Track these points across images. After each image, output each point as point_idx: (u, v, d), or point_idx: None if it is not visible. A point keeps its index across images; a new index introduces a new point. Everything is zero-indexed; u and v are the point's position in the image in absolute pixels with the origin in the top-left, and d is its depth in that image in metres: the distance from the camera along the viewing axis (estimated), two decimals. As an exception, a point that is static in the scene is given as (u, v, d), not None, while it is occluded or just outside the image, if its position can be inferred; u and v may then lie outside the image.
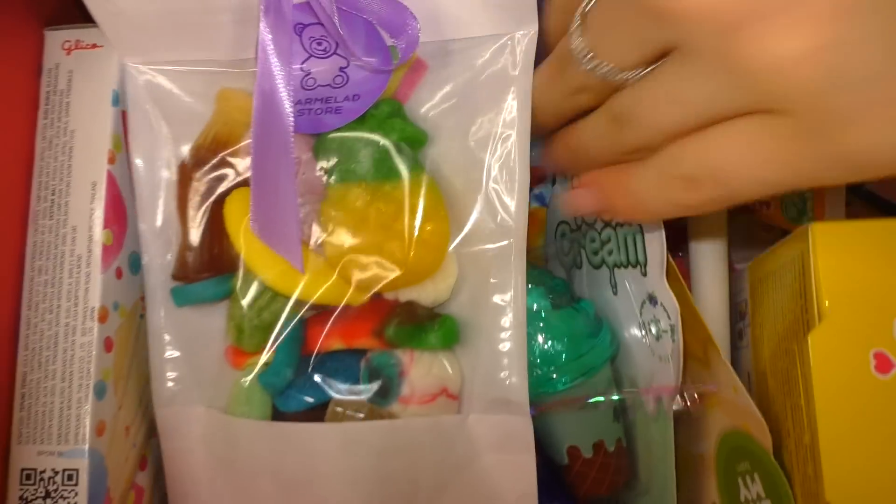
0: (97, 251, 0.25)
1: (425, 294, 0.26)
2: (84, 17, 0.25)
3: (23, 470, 0.24)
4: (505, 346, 0.25)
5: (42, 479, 0.24)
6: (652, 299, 0.25)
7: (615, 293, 0.27)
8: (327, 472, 0.24)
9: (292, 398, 0.25)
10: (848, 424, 0.19)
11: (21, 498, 0.24)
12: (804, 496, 0.20)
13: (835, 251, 0.20)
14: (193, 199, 0.26)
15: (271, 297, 0.25)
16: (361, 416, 0.25)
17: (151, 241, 0.26)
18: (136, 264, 0.27)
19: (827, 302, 0.19)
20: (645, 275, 0.25)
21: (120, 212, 0.26)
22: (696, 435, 0.26)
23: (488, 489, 0.25)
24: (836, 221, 0.25)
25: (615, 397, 0.26)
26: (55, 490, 0.24)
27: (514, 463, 0.25)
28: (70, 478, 0.24)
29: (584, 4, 0.21)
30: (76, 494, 0.24)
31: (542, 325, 0.26)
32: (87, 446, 0.24)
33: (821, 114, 0.17)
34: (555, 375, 0.26)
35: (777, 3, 0.17)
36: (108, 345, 0.25)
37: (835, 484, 0.19)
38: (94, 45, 0.26)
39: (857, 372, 0.19)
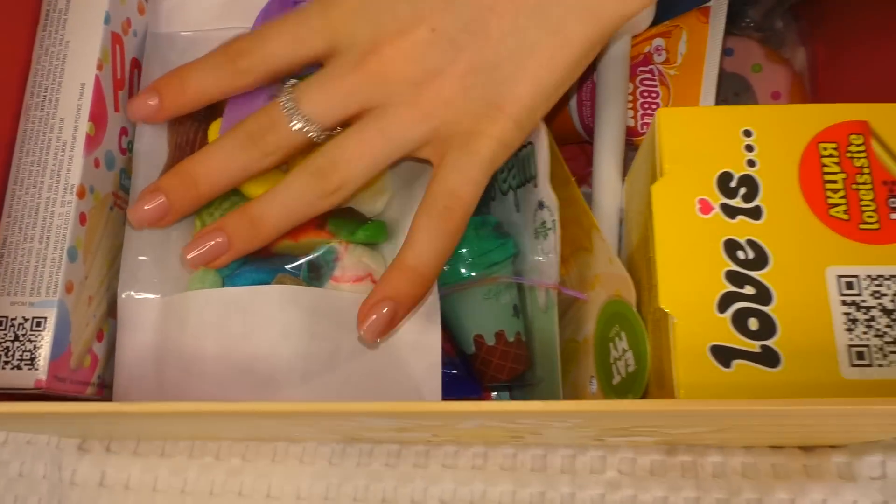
0: (81, 139, 0.29)
1: (363, 203, 0.31)
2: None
3: None
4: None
5: (12, 325, 0.28)
6: (541, 204, 0.30)
7: (518, 210, 0.32)
8: (264, 327, 0.28)
9: (241, 277, 0.29)
10: (678, 251, 0.24)
11: None
12: (652, 332, 0.25)
13: (674, 128, 0.25)
14: (182, 128, 0.31)
15: (234, 201, 0.30)
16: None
17: (143, 159, 0.31)
18: (110, 161, 0.31)
19: (666, 165, 0.25)
20: (536, 185, 0.30)
21: (102, 111, 0.31)
22: (582, 320, 0.31)
23: (400, 358, 0.29)
24: (676, 107, 0.31)
25: (508, 285, 0.31)
26: (23, 335, 0.28)
27: (423, 337, 0.29)
28: (38, 324, 0.28)
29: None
30: (42, 339, 0.27)
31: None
32: (56, 298, 0.28)
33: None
34: (463, 270, 0.31)
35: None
36: (82, 218, 0.29)
37: (666, 294, 0.24)
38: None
39: (686, 213, 0.24)
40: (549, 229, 0.29)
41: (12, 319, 0.28)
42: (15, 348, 0.27)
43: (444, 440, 0.33)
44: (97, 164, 0.30)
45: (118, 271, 0.31)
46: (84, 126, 0.30)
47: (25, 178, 0.29)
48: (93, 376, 0.30)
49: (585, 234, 0.30)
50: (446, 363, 0.32)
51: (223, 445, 0.36)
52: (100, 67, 0.30)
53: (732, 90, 0.35)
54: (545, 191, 0.29)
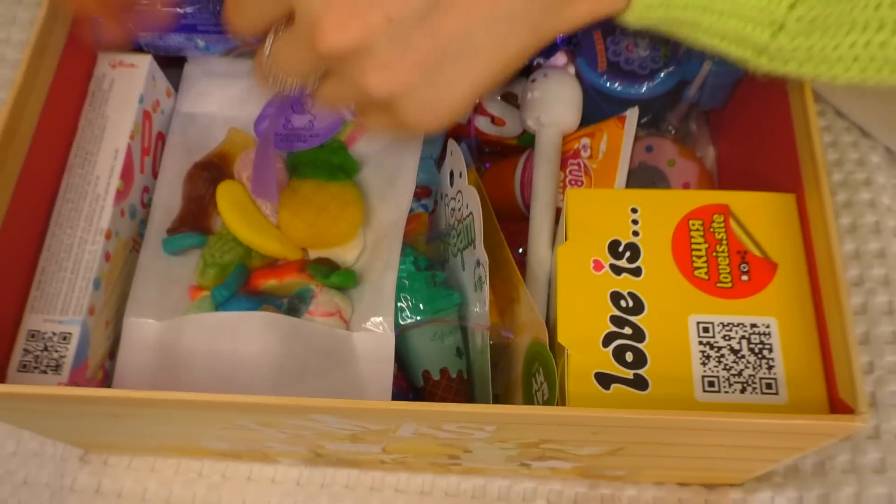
0: (112, 193, 0.37)
1: (338, 255, 0.38)
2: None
3: (29, 331, 0.34)
4: (382, 291, 0.36)
5: (43, 338, 0.34)
6: (478, 263, 0.37)
7: (463, 269, 0.39)
8: (247, 345, 0.34)
9: (231, 305, 0.36)
10: (574, 299, 0.31)
11: (25, 349, 0.34)
12: (559, 364, 0.32)
13: (578, 205, 0.33)
14: (195, 185, 0.39)
15: (233, 245, 0.37)
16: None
17: (160, 210, 0.39)
18: (133, 212, 0.38)
19: (570, 232, 0.32)
20: (475, 248, 0.37)
21: (130, 172, 0.38)
22: (513, 363, 0.37)
23: (358, 382, 0.35)
24: (581, 189, 0.38)
25: (454, 326, 0.37)
26: (51, 346, 0.34)
27: (378, 368, 0.36)
28: (64, 338, 0.34)
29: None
30: (66, 350, 0.34)
31: (406, 280, 0.38)
32: (81, 318, 0.34)
33: None
34: (415, 315, 0.37)
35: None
36: (107, 256, 0.36)
37: (563, 332, 0.30)
38: (132, 65, 0.39)
39: (583, 270, 0.31)
40: (484, 282, 0.36)
41: (43, 333, 0.34)
42: (43, 356, 0.34)
43: (396, 462, 0.39)
44: (122, 214, 0.37)
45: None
46: (115, 183, 0.37)
47: (64, 221, 0.36)
48: (103, 387, 0.36)
49: (514, 289, 0.36)
50: (398, 393, 0.38)
51: (206, 464, 0.42)
52: (132, 137, 0.38)
53: (650, 180, 0.43)
54: (480, 251, 0.36)
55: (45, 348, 0.34)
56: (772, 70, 0.29)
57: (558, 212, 0.40)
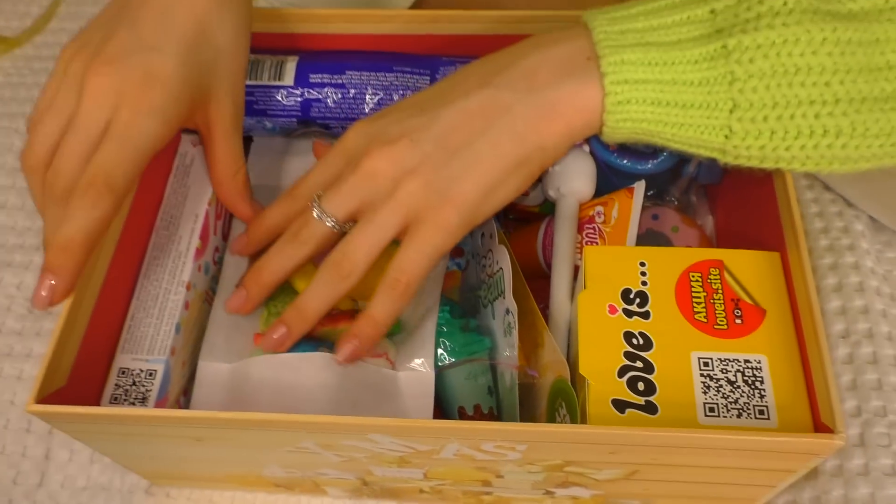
0: (192, 251, 0.43)
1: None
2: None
3: (120, 368, 0.40)
4: (423, 336, 0.42)
5: (132, 374, 0.40)
6: (507, 311, 0.42)
7: (493, 318, 0.44)
8: (307, 382, 0.39)
9: (292, 348, 0.41)
10: (593, 338, 0.36)
11: (116, 384, 0.39)
12: (579, 395, 0.37)
13: (595, 259, 0.38)
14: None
15: (294, 297, 0.43)
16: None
17: (230, 264, 0.45)
18: (207, 268, 0.45)
19: (588, 282, 0.38)
20: (504, 298, 0.43)
21: (207, 234, 0.44)
22: (538, 401, 0.42)
23: (403, 414, 0.40)
24: (598, 246, 0.44)
25: (486, 367, 0.42)
26: (139, 381, 0.39)
27: (420, 403, 0.41)
28: (150, 375, 0.39)
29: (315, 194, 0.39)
30: (152, 385, 0.39)
31: (444, 327, 0.43)
32: (165, 358, 0.40)
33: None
34: (451, 356, 0.43)
35: None
36: (186, 305, 0.42)
37: (584, 365, 0.36)
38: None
39: (600, 313, 0.37)
40: (513, 328, 0.41)
41: (132, 371, 0.40)
42: (132, 390, 0.39)
43: (433, 490, 0.43)
44: (199, 269, 0.43)
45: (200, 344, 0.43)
46: (195, 242, 0.43)
47: (151, 273, 0.42)
48: None
49: (539, 335, 0.42)
50: (437, 427, 0.43)
51: (259, 496, 0.46)
52: (209, 204, 0.44)
53: (657, 244, 0.49)
54: (510, 301, 0.41)
55: (134, 383, 0.39)
56: (739, 165, 0.36)
57: (576, 269, 0.46)
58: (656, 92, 0.34)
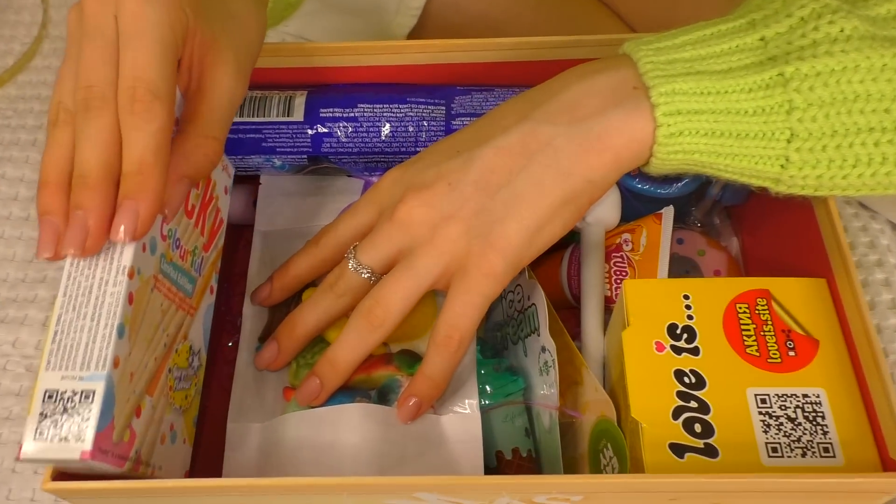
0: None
1: (417, 347, 0.42)
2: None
3: (46, 391, 0.30)
4: (462, 376, 0.40)
5: (62, 398, 0.29)
6: (543, 349, 0.40)
7: (525, 355, 0.43)
8: (348, 436, 0.37)
9: (328, 401, 0.39)
10: (643, 378, 0.34)
11: (41, 414, 0.29)
12: (630, 438, 0.35)
13: (636, 294, 0.37)
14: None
15: (322, 346, 0.41)
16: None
17: (249, 317, 0.43)
18: (153, 246, 0.34)
19: (631, 318, 0.36)
20: (539, 335, 0.41)
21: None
22: (578, 441, 0.40)
23: (451, 462, 0.38)
24: (637, 279, 0.42)
25: (522, 408, 0.40)
26: (72, 407, 0.29)
27: (468, 447, 0.38)
28: (87, 396, 0.29)
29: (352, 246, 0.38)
30: (90, 411, 0.29)
31: (480, 369, 0.41)
32: (105, 372, 0.29)
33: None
34: (486, 399, 0.41)
35: None
36: (130, 298, 0.31)
37: (636, 408, 0.34)
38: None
39: (647, 351, 0.35)
40: (550, 367, 0.39)
41: (62, 392, 0.29)
42: (63, 420, 0.29)
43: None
44: (143, 249, 0.33)
45: (155, 350, 0.34)
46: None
47: (80, 260, 0.31)
48: (131, 451, 0.32)
49: (577, 371, 0.40)
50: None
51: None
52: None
53: (684, 269, 0.47)
54: (546, 338, 0.39)
55: (65, 410, 0.30)
56: (793, 194, 0.34)
57: (606, 300, 0.44)
58: (710, 122, 0.33)
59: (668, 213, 0.44)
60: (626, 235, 0.45)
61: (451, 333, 0.36)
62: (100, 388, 0.29)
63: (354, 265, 0.38)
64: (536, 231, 0.35)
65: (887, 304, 0.47)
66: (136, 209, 0.30)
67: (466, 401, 0.39)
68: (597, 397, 0.38)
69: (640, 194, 0.47)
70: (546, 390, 0.40)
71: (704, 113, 0.33)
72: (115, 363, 0.30)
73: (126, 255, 0.31)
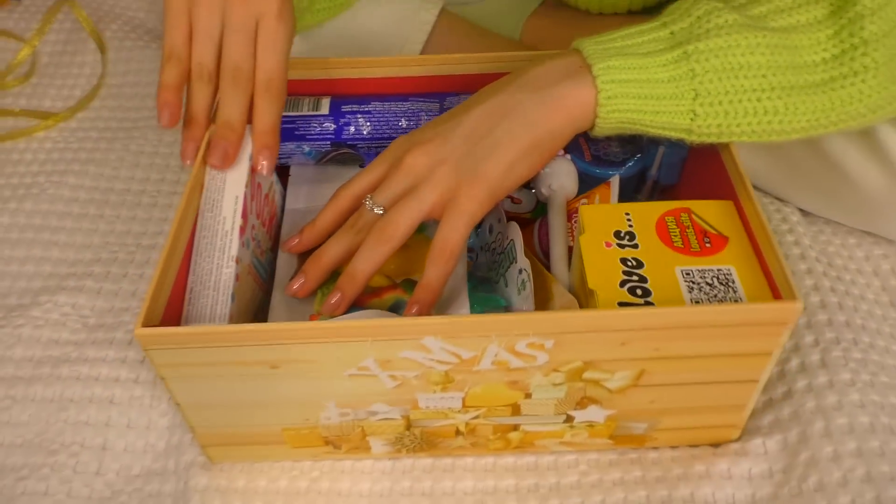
0: (237, 229, 0.48)
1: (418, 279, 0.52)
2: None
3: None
4: (458, 300, 0.50)
5: None
6: (520, 271, 0.51)
7: (507, 286, 0.53)
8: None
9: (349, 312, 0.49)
10: (597, 264, 0.45)
11: None
12: (588, 304, 0.45)
13: (589, 214, 0.48)
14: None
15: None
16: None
17: (282, 263, 0.53)
18: (248, 244, 0.49)
19: (586, 227, 0.47)
20: (516, 262, 0.51)
21: (246, 213, 0.50)
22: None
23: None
24: (591, 205, 0.53)
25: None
26: None
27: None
28: None
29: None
30: None
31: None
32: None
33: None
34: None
35: None
36: (237, 277, 0.48)
37: (592, 281, 0.44)
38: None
39: (599, 248, 0.46)
40: (526, 281, 0.49)
41: None
42: None
43: (469, 432, 0.49)
44: (243, 245, 0.49)
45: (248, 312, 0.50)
46: (238, 221, 0.49)
47: (203, 251, 0.48)
48: None
49: (548, 290, 0.50)
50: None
51: (305, 465, 0.51)
52: (246, 186, 0.52)
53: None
54: (522, 260, 0.50)
55: None
56: (703, 142, 0.47)
57: (569, 249, 0.55)
58: (636, 87, 0.46)
59: (615, 180, 0.56)
60: (584, 200, 0.57)
61: (444, 246, 0.46)
62: None
63: (371, 205, 0.49)
64: (509, 168, 0.47)
65: (797, 257, 0.59)
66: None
67: (460, 311, 0.49)
68: (566, 300, 0.48)
69: (593, 176, 0.59)
70: (526, 306, 0.50)
71: (631, 81, 0.46)
72: (230, 319, 0.47)
73: (234, 249, 0.48)
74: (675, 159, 0.59)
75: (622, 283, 0.44)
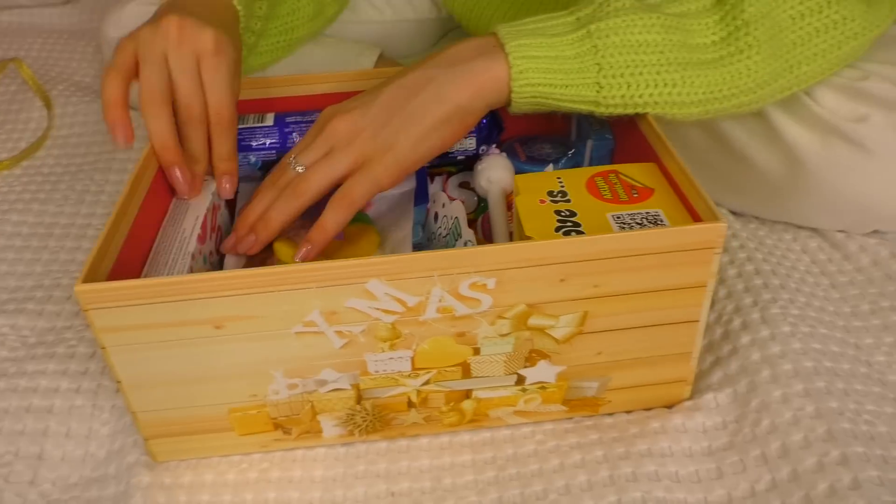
0: (196, 236, 0.51)
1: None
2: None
3: None
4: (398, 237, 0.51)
5: None
6: (466, 242, 0.52)
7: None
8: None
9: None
10: (532, 216, 0.47)
11: None
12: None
13: (523, 181, 0.50)
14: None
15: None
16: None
17: (233, 263, 0.54)
18: (205, 259, 0.53)
19: (520, 189, 0.49)
20: (461, 236, 0.53)
21: (205, 232, 0.53)
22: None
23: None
24: (525, 174, 0.54)
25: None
26: None
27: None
28: None
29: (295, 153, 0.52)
30: None
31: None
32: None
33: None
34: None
35: None
36: (190, 269, 0.50)
37: (530, 230, 0.46)
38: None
39: (533, 204, 0.48)
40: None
41: None
42: None
43: (422, 403, 0.48)
44: (200, 252, 0.52)
45: None
46: (198, 231, 0.52)
47: (162, 252, 0.50)
48: None
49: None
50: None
51: (255, 457, 0.49)
52: (208, 211, 0.54)
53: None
54: (466, 232, 0.52)
55: None
56: (612, 114, 0.51)
57: (510, 236, 0.57)
58: (545, 63, 0.50)
59: (549, 169, 0.59)
60: (522, 191, 0.60)
61: (345, 194, 0.49)
62: None
63: (293, 164, 0.51)
64: (419, 140, 0.50)
65: (734, 243, 0.61)
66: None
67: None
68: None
69: (528, 172, 0.62)
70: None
71: (541, 58, 0.50)
72: None
73: (191, 246, 0.51)
74: (604, 151, 0.63)
75: (557, 229, 0.46)
